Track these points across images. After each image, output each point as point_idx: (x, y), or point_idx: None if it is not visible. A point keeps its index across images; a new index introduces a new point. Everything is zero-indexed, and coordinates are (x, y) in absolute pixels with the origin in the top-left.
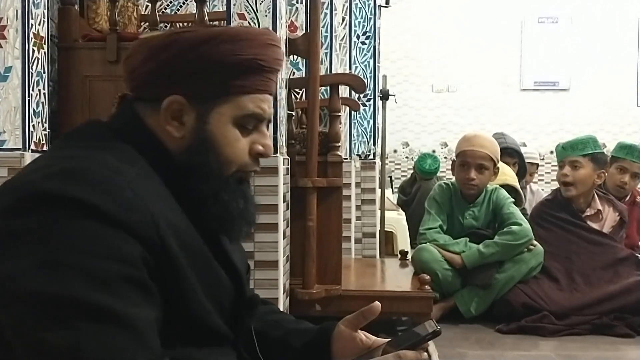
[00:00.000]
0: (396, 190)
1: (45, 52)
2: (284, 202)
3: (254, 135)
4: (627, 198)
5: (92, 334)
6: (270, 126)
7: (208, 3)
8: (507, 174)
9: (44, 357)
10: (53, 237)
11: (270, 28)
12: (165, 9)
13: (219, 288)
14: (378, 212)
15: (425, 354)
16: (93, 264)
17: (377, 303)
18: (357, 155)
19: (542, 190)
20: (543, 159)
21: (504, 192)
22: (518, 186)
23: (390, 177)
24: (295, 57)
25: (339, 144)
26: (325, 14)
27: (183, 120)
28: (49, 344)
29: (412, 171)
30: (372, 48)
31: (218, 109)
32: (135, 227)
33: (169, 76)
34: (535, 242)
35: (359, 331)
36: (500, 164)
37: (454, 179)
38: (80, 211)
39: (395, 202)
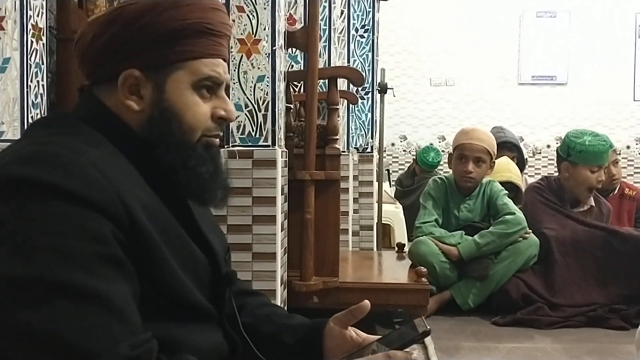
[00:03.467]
0: (394, 183)
1: (43, 44)
2: (281, 194)
3: (214, 101)
4: (616, 191)
5: (69, 312)
6: (263, 107)
7: None
8: (512, 171)
9: (23, 339)
10: (23, 221)
11: (269, 21)
12: None
13: (195, 264)
14: (375, 205)
15: (415, 353)
16: (64, 244)
17: (367, 302)
18: (355, 148)
19: None
20: (540, 153)
21: (497, 185)
22: (522, 185)
23: (388, 170)
24: (294, 50)
25: (337, 137)
26: (324, 7)
27: (141, 94)
28: (28, 326)
29: (410, 164)
30: (371, 41)
31: (173, 76)
32: (102, 205)
33: (119, 51)
34: (529, 231)
35: (350, 328)
36: (507, 161)
37: (450, 171)
38: (46, 193)
39: (394, 195)
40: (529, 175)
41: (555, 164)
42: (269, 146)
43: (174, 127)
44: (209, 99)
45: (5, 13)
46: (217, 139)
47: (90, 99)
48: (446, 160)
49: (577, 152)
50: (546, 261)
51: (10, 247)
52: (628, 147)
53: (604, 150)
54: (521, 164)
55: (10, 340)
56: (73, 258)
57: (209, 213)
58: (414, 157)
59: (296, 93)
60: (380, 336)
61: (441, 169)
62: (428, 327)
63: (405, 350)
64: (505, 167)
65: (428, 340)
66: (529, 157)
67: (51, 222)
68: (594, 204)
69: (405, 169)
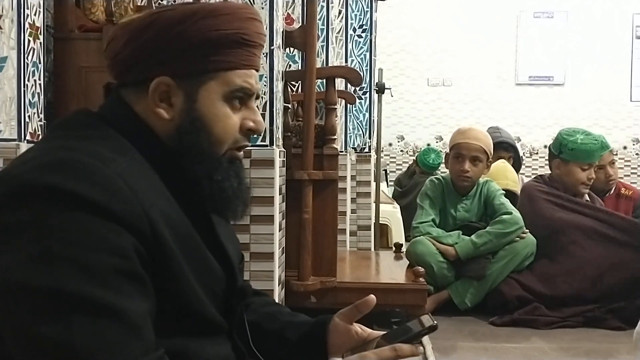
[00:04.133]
0: (392, 183)
1: (41, 43)
2: (279, 194)
3: (244, 112)
4: (612, 191)
5: (85, 326)
6: (261, 107)
7: None
8: (509, 177)
9: (37, 351)
10: (44, 230)
11: (267, 21)
12: (162, 0)
13: (211, 276)
14: (373, 205)
15: (421, 347)
16: (85, 257)
17: (372, 296)
18: (352, 148)
19: None
20: (537, 153)
21: (494, 185)
22: (518, 191)
23: (386, 171)
24: (292, 49)
25: (335, 137)
26: (322, 6)
27: (171, 102)
28: (42, 337)
29: (408, 164)
30: (369, 41)
31: (206, 86)
32: (126, 218)
33: (152, 57)
34: (526, 230)
35: (354, 324)
36: (504, 166)
37: (447, 172)
38: (70, 203)
39: (391, 195)
40: (526, 176)
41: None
42: (266, 146)
43: (202, 138)
44: (238, 110)
45: (3, 12)
46: (242, 151)
47: (118, 100)
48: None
49: (568, 150)
50: (546, 255)
51: (30, 255)
52: (625, 148)
53: (595, 148)
54: (517, 164)
55: (23, 349)
56: (92, 271)
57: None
58: (415, 157)
59: (294, 93)
60: (385, 331)
61: (444, 171)
62: (435, 322)
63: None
64: (502, 173)
65: (426, 339)
66: (526, 157)
67: (73, 233)
68: (588, 199)
69: (405, 169)
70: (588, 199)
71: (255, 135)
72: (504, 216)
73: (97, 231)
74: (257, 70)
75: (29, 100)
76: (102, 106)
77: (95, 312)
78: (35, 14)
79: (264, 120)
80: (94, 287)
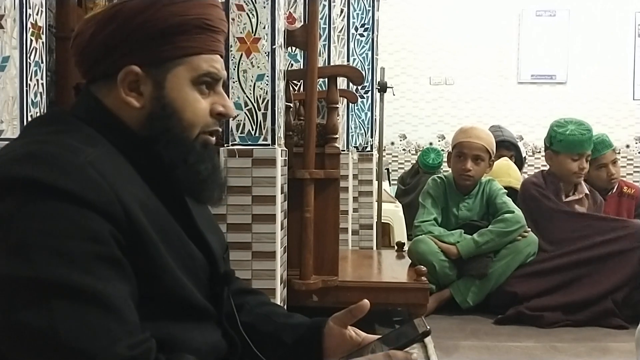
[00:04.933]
0: (394, 182)
1: (43, 42)
2: (281, 193)
3: (212, 97)
4: (614, 189)
5: (67, 312)
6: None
7: None
8: (512, 175)
9: (21, 339)
10: (19, 221)
11: (269, 19)
12: None
13: (193, 263)
14: (375, 204)
15: (415, 354)
16: (62, 244)
17: (366, 301)
18: (354, 147)
19: None
20: (539, 152)
21: (497, 184)
22: (518, 186)
23: (388, 170)
24: (294, 48)
25: (337, 136)
26: (324, 5)
27: (140, 90)
28: (25, 326)
29: (410, 163)
30: (370, 40)
31: (173, 72)
32: (99, 205)
33: (118, 48)
34: (528, 229)
35: (349, 328)
36: (507, 164)
37: (449, 170)
38: (43, 193)
39: (395, 193)
40: (529, 174)
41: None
42: (268, 145)
43: (174, 123)
44: (207, 95)
45: (5, 11)
46: (214, 137)
47: (87, 97)
48: (447, 161)
49: (558, 141)
50: (545, 258)
51: (7, 246)
52: (627, 146)
53: (584, 139)
54: (519, 162)
55: (7, 339)
56: (70, 258)
57: (208, 211)
58: (417, 158)
59: (296, 92)
60: (379, 336)
61: (446, 170)
62: (428, 327)
63: (405, 350)
64: (505, 171)
65: (427, 339)
66: (529, 156)
67: (48, 221)
68: (588, 192)
69: (406, 168)
70: (587, 191)
71: (225, 119)
72: (506, 215)
73: (71, 218)
74: (221, 57)
75: (31, 99)
76: (73, 104)
77: (76, 297)
78: (37, 14)
79: (265, 119)
80: (73, 273)
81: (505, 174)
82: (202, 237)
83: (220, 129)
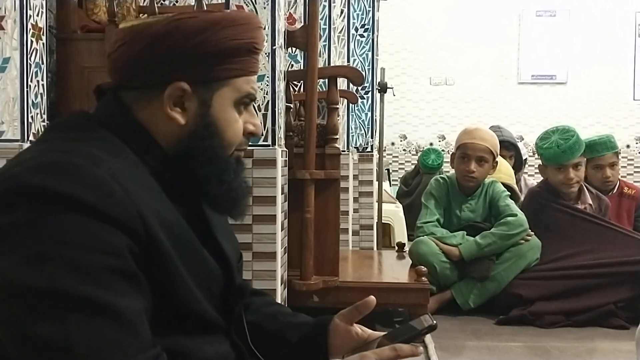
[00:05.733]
0: (395, 182)
1: (43, 43)
2: (282, 194)
3: (245, 115)
4: (615, 190)
5: (81, 326)
6: (263, 107)
7: None
8: (503, 172)
9: (34, 351)
10: (38, 232)
11: (269, 20)
12: (164, 0)
13: (208, 276)
14: (375, 205)
15: (421, 347)
16: (79, 257)
17: (372, 297)
18: (355, 147)
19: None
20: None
21: (499, 186)
22: (514, 184)
23: (388, 170)
24: (294, 49)
25: (337, 137)
26: (324, 6)
27: (185, 107)
28: (38, 338)
29: (410, 163)
30: (371, 41)
31: (219, 92)
32: (119, 219)
33: (171, 63)
34: (531, 233)
35: (355, 324)
36: (499, 161)
37: (452, 171)
38: (64, 205)
39: (397, 194)
40: (529, 175)
41: None
42: (269, 145)
43: (216, 142)
44: (241, 114)
45: (5, 12)
46: (242, 152)
47: (115, 104)
48: (448, 162)
49: (540, 154)
50: (551, 264)
51: (24, 256)
52: (628, 146)
53: (561, 150)
54: (519, 163)
55: (20, 351)
56: (87, 270)
57: (224, 218)
58: (418, 158)
59: (296, 92)
60: (385, 332)
61: (446, 170)
62: (434, 322)
63: (412, 344)
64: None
65: (428, 339)
66: (529, 156)
67: (66, 233)
68: (591, 203)
69: (407, 168)
70: (590, 202)
71: (254, 137)
72: (509, 218)
73: (90, 231)
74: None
75: (32, 100)
76: (97, 108)
77: (91, 310)
78: (37, 15)
79: (266, 120)
80: (89, 286)
81: (496, 169)
82: (220, 249)
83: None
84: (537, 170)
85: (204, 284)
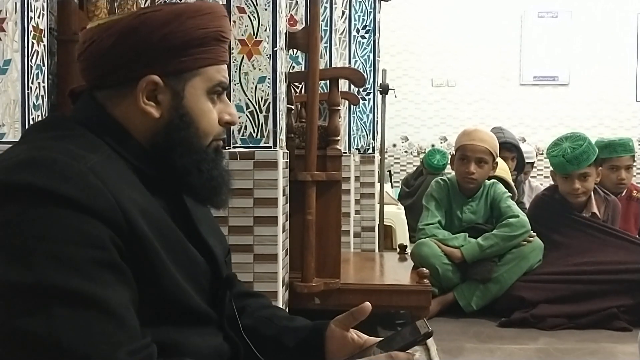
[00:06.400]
0: (396, 184)
1: (44, 45)
2: (283, 195)
3: (220, 105)
4: (624, 193)
5: (68, 318)
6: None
7: None
8: (500, 166)
9: (21, 346)
10: (19, 228)
11: (270, 22)
12: (165, 1)
13: (194, 268)
14: (377, 206)
15: (417, 355)
16: (62, 250)
17: (367, 303)
18: (356, 149)
19: (541, 185)
20: (542, 154)
21: (501, 187)
22: (509, 179)
23: (390, 172)
24: (295, 51)
25: (338, 138)
26: (325, 7)
27: (158, 100)
28: (25, 333)
29: (412, 165)
30: (372, 42)
31: (191, 83)
32: (99, 211)
33: (140, 58)
34: (533, 234)
35: (351, 330)
36: None
37: (453, 173)
38: (44, 199)
39: (399, 195)
40: (531, 176)
41: None
42: (270, 147)
43: (192, 132)
44: (215, 104)
45: (6, 15)
46: (221, 142)
47: (91, 103)
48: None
49: (550, 162)
50: (551, 265)
51: (7, 253)
52: None
53: (565, 160)
54: (520, 164)
55: (8, 346)
56: (71, 264)
57: (210, 215)
58: (422, 158)
59: (297, 94)
60: (381, 338)
61: (449, 172)
62: (430, 329)
63: (407, 351)
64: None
65: (430, 341)
66: (540, 155)
67: (48, 228)
68: (596, 211)
69: (410, 170)
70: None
71: (231, 127)
72: (511, 219)
73: (71, 225)
74: (226, 64)
75: (33, 102)
76: (74, 109)
77: (76, 303)
78: (38, 17)
79: (267, 121)
80: (73, 279)
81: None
82: (203, 242)
83: (225, 136)
84: (539, 172)
85: (192, 275)
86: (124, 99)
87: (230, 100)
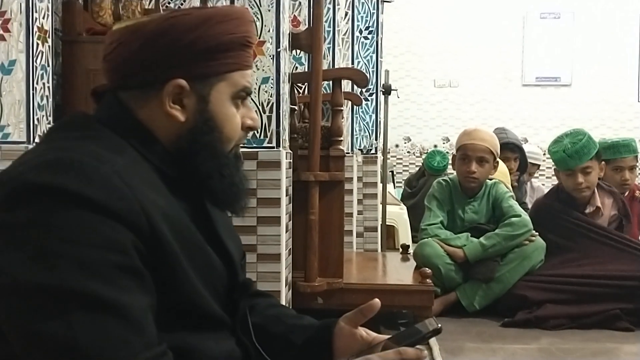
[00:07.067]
0: (399, 184)
1: (49, 46)
2: (286, 195)
3: (242, 110)
4: (627, 193)
5: (87, 322)
6: (267, 109)
7: None
8: (499, 170)
9: (40, 348)
10: (43, 229)
11: (273, 23)
12: (169, 3)
13: (212, 272)
14: (380, 206)
15: (426, 351)
16: (84, 253)
17: (377, 300)
18: (359, 149)
19: (543, 185)
20: (545, 154)
21: (503, 187)
22: (507, 182)
23: (392, 172)
24: (298, 51)
25: (341, 139)
26: (328, 8)
27: (184, 103)
28: (44, 335)
29: (414, 165)
30: (375, 43)
31: (217, 87)
32: (123, 215)
33: (168, 60)
34: (535, 234)
35: (359, 327)
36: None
37: (454, 173)
38: (68, 201)
39: (401, 196)
40: (534, 177)
41: None
42: (273, 148)
43: (215, 137)
44: (239, 109)
45: (11, 15)
46: (240, 149)
47: (115, 104)
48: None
49: (553, 159)
50: (554, 267)
51: (29, 253)
52: None
53: (566, 155)
54: (523, 165)
55: (26, 347)
56: (92, 267)
57: (228, 219)
58: (422, 162)
59: (300, 95)
60: (390, 335)
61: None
62: (439, 325)
63: (417, 347)
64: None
65: (433, 341)
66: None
67: (71, 230)
68: (600, 205)
69: (413, 170)
70: (599, 204)
71: (252, 131)
72: (513, 219)
73: (95, 228)
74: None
75: (38, 103)
76: (97, 109)
77: (96, 307)
78: (43, 18)
79: (270, 122)
80: (94, 283)
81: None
82: (223, 246)
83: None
84: (542, 172)
85: (209, 280)
86: (149, 102)
87: None
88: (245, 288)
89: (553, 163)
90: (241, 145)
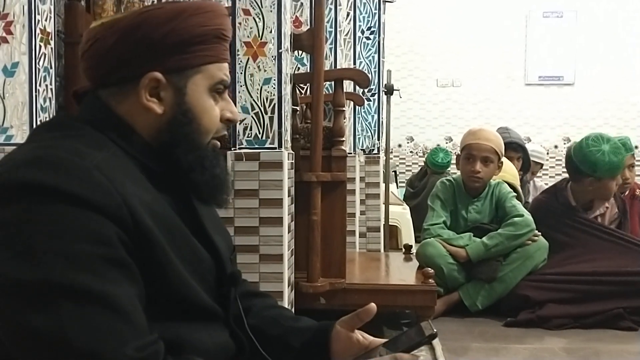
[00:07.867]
0: (401, 184)
1: (51, 48)
2: (288, 196)
3: (221, 103)
4: (627, 192)
5: (76, 315)
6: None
7: None
8: (508, 171)
9: (30, 342)
10: (27, 226)
11: (275, 23)
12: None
13: (200, 264)
14: (382, 207)
15: (421, 357)
16: (69, 247)
17: (373, 304)
18: (361, 149)
19: (546, 184)
20: (548, 153)
21: (506, 187)
22: (517, 184)
23: (395, 172)
24: (300, 52)
25: (343, 139)
26: (330, 9)
27: (161, 96)
28: (34, 329)
29: (417, 165)
30: (377, 43)
31: (193, 80)
32: (105, 208)
33: (143, 54)
34: (538, 233)
35: (356, 331)
36: (504, 161)
37: (458, 173)
38: (50, 197)
39: (404, 195)
40: (537, 176)
41: (564, 165)
42: (275, 148)
43: (194, 129)
44: (217, 102)
45: (14, 18)
46: (218, 142)
47: (96, 102)
48: (453, 162)
49: (589, 163)
50: (557, 266)
51: (15, 250)
52: (636, 147)
53: (617, 161)
54: (526, 164)
55: (16, 342)
56: (78, 261)
57: (215, 213)
58: (425, 160)
59: (302, 95)
60: (386, 339)
61: (454, 172)
62: (435, 330)
63: (412, 353)
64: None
65: (436, 340)
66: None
67: (55, 225)
68: (602, 211)
69: (416, 170)
70: (602, 211)
71: (232, 124)
72: (516, 218)
73: (78, 222)
74: (229, 63)
75: (41, 105)
76: (79, 109)
77: (85, 300)
78: (46, 20)
79: (272, 122)
80: (81, 276)
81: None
82: (209, 239)
83: (227, 133)
84: (545, 172)
85: (198, 271)
86: (128, 97)
87: (235, 102)
88: (235, 279)
89: (597, 172)
90: (220, 137)
